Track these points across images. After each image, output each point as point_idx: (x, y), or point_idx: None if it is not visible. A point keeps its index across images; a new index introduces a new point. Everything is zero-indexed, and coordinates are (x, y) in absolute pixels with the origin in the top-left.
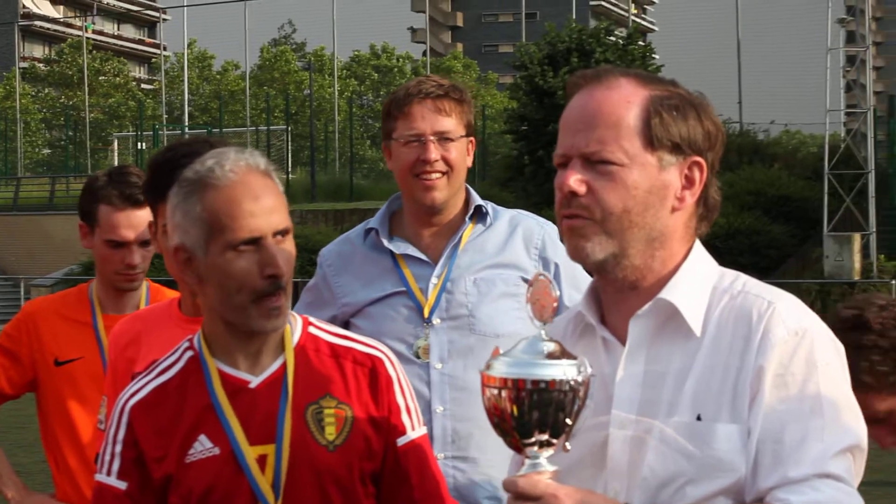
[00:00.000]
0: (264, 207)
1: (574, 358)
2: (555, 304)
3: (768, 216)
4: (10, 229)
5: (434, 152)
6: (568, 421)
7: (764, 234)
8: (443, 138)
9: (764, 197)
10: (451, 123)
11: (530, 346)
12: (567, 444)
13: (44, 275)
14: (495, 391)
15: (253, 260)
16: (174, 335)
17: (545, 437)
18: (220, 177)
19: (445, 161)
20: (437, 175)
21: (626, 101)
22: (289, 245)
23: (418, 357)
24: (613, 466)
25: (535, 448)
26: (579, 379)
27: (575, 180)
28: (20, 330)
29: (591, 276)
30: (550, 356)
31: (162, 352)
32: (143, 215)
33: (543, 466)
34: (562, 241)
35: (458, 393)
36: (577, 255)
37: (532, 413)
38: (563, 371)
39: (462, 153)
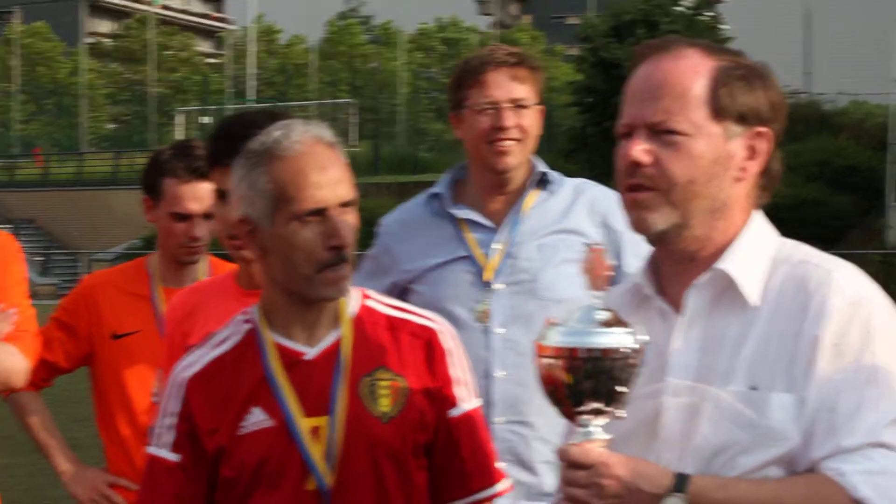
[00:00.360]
0: (330, 178)
1: (628, 326)
2: (609, 273)
3: (833, 187)
4: (74, 204)
5: (510, 119)
6: (622, 389)
7: (828, 205)
8: (518, 106)
9: (829, 167)
10: (525, 91)
11: (585, 314)
12: (621, 412)
13: (105, 249)
14: (550, 360)
15: (318, 231)
16: (230, 308)
17: (599, 405)
18: (287, 148)
19: (520, 128)
20: (512, 142)
21: (692, 71)
22: (352, 216)
23: (479, 322)
24: (666, 435)
25: (589, 417)
26: (634, 347)
27: (640, 150)
28: (78, 304)
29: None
30: (605, 325)
31: (217, 325)
32: (208, 188)
33: (596, 435)
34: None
35: (520, 358)
36: (639, 226)
37: (586, 381)
38: (617, 339)
39: (535, 120)
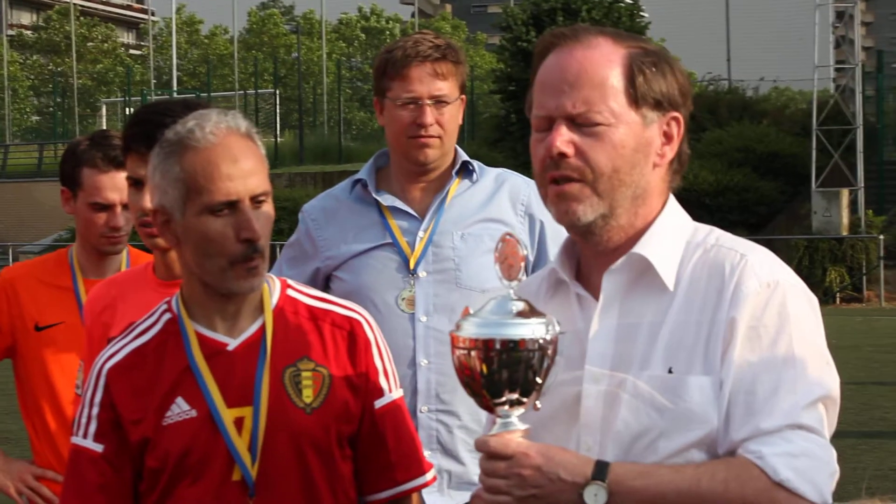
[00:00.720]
0: (242, 170)
1: (543, 316)
2: (523, 263)
3: (757, 173)
4: None
5: (430, 116)
6: (538, 379)
7: (753, 191)
8: (438, 101)
9: (753, 153)
10: (447, 87)
11: (499, 306)
12: (537, 402)
13: (32, 241)
14: (465, 352)
15: (229, 223)
16: (149, 299)
17: (515, 396)
18: (200, 139)
19: (440, 124)
20: (432, 138)
21: (607, 59)
22: (267, 208)
23: (405, 311)
24: (586, 421)
25: (506, 407)
26: (548, 337)
27: (563, 142)
28: None
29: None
30: (519, 315)
31: (137, 316)
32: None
33: (515, 425)
34: (545, 204)
35: (443, 347)
36: (566, 218)
37: (502, 372)
38: (531, 330)
39: (455, 115)
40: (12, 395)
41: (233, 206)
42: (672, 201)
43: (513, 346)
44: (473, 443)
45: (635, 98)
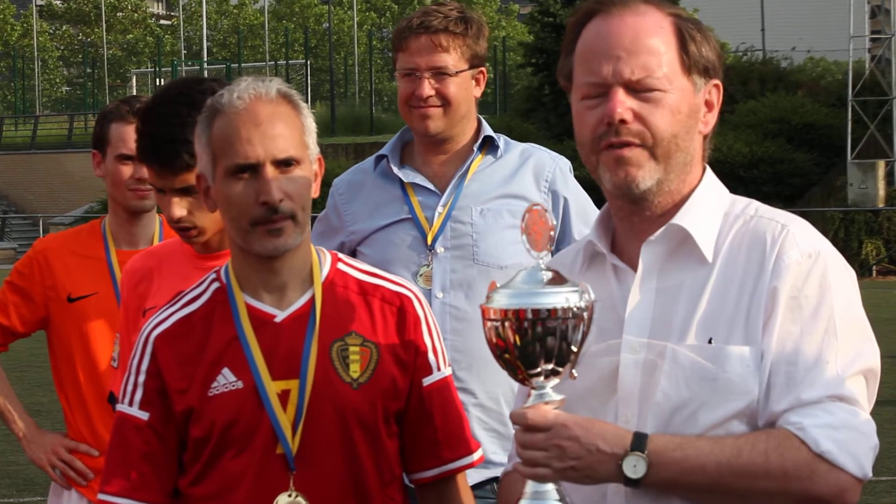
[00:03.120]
0: (265, 135)
1: (575, 284)
2: (551, 234)
3: (792, 144)
4: (29, 167)
5: (427, 88)
6: (573, 348)
7: (788, 163)
8: (439, 73)
9: (787, 125)
10: (448, 59)
11: (529, 276)
12: (574, 371)
13: (63, 213)
14: (497, 323)
15: (251, 186)
16: (186, 271)
17: (550, 366)
18: (226, 104)
19: (442, 96)
20: (433, 109)
21: (657, 26)
22: (299, 172)
23: (423, 286)
24: (624, 392)
25: (542, 378)
26: (582, 304)
27: (624, 108)
28: (31, 267)
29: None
30: (550, 284)
31: (173, 288)
32: None
33: (550, 396)
34: (596, 173)
35: (459, 324)
36: (625, 183)
37: (535, 343)
38: (564, 298)
39: (463, 86)
40: (43, 367)
41: (254, 169)
42: (709, 172)
43: (545, 315)
44: (491, 419)
45: (687, 64)
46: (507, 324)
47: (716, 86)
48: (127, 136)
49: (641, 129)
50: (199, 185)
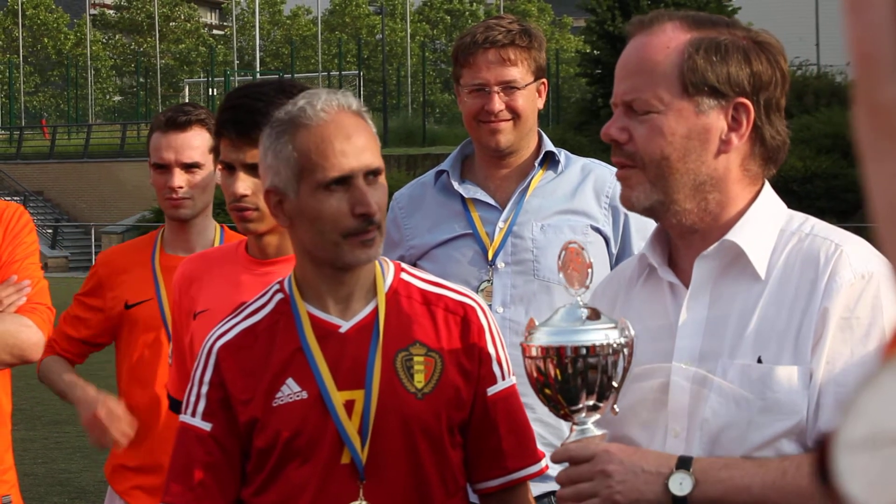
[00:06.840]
0: (356, 147)
1: (614, 321)
2: (588, 271)
3: (846, 159)
4: (81, 176)
5: (498, 103)
6: (613, 383)
7: (842, 178)
8: (508, 87)
9: (842, 140)
10: (517, 72)
11: (568, 313)
12: (615, 406)
13: (115, 222)
14: (539, 361)
15: (344, 199)
16: (237, 276)
17: (592, 401)
18: (312, 116)
19: (511, 109)
20: (503, 122)
21: (664, 46)
22: (381, 184)
23: (484, 301)
24: (674, 406)
25: (583, 413)
26: (622, 341)
27: (615, 129)
28: (95, 279)
29: None
30: (589, 320)
31: (224, 292)
32: (187, 138)
33: (592, 432)
34: None
35: (519, 338)
36: (625, 202)
37: (577, 377)
38: (604, 335)
39: (530, 99)
40: (103, 378)
41: (347, 181)
42: (767, 188)
43: (585, 353)
44: (551, 435)
45: (686, 85)
46: (548, 360)
47: (741, 104)
48: (158, 145)
49: (634, 151)
50: (266, 200)
